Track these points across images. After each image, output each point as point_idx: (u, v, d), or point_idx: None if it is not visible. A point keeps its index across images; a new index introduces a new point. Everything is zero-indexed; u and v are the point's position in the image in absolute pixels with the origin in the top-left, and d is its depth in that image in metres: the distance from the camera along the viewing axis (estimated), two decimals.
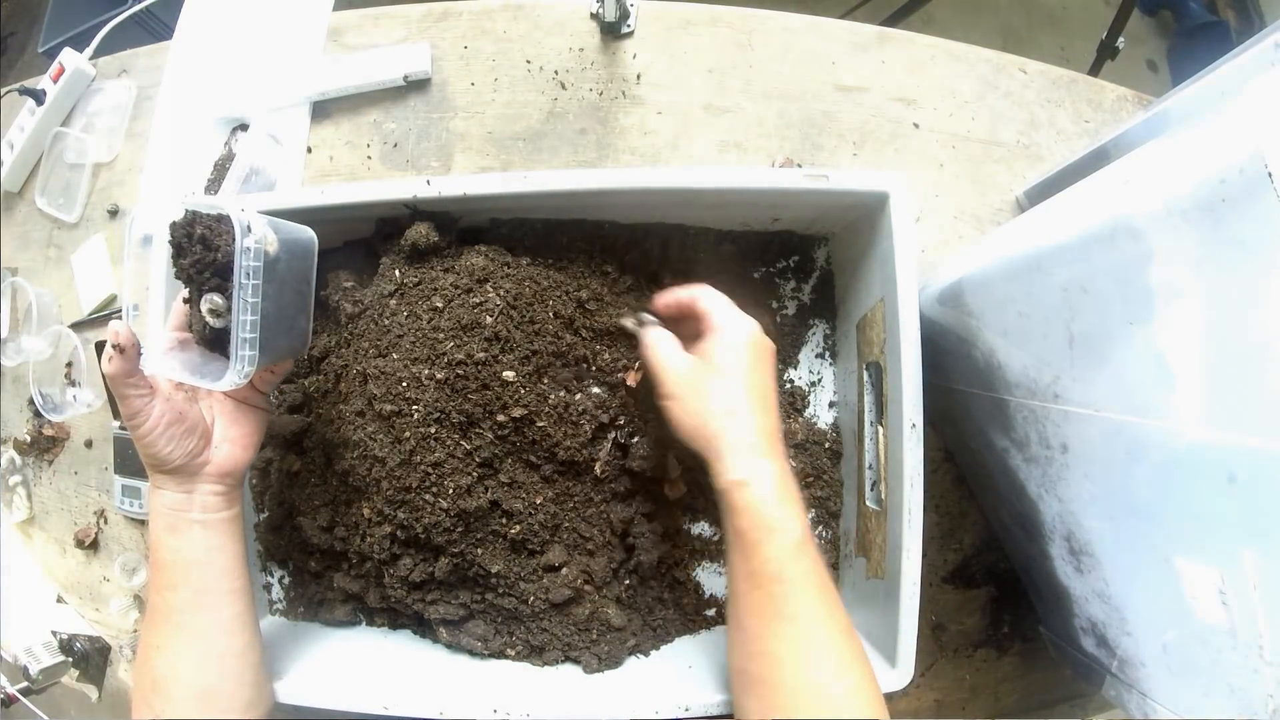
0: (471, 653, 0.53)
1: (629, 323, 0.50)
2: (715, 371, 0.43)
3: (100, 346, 0.68)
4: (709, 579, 0.58)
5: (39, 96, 0.73)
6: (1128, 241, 0.33)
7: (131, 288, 0.50)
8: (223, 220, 0.40)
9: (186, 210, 0.41)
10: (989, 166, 0.65)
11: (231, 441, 0.45)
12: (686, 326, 0.48)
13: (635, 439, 0.52)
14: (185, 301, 0.44)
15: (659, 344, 0.46)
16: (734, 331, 0.44)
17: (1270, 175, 0.25)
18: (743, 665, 0.42)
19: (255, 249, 0.39)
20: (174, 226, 0.41)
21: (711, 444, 0.42)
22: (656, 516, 0.55)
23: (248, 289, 0.39)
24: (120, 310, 0.70)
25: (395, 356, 0.47)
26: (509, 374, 0.47)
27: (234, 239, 0.39)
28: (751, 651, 0.40)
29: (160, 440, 0.41)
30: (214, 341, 0.42)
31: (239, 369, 0.40)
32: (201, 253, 0.40)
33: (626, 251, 0.56)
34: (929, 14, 1.43)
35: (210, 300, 0.41)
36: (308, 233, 0.45)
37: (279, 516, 0.57)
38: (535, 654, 0.53)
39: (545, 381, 0.49)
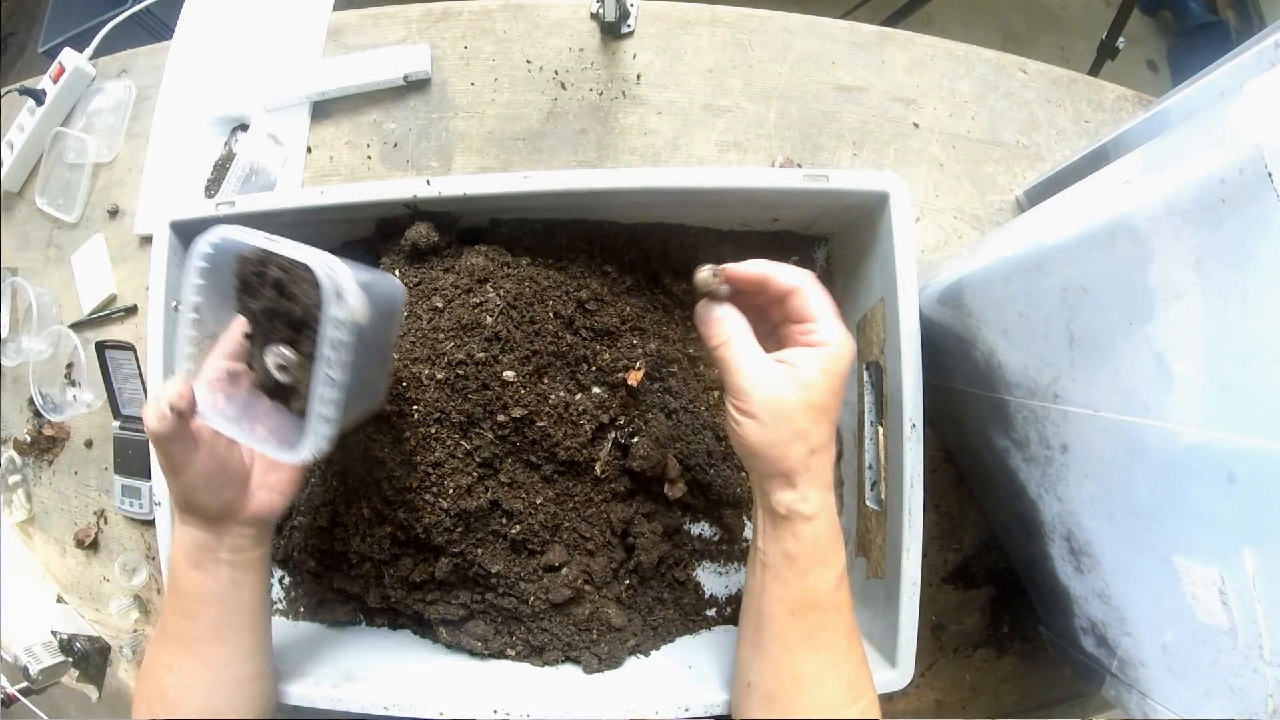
0: (471, 653, 0.53)
1: (707, 277, 0.39)
2: (811, 398, 0.37)
3: (101, 347, 0.68)
4: (709, 579, 0.58)
5: (39, 96, 0.73)
6: (1128, 241, 0.33)
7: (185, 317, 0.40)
8: (298, 266, 0.35)
9: (261, 250, 0.36)
10: (989, 166, 0.65)
11: (269, 487, 0.43)
12: (757, 307, 0.41)
13: (635, 439, 0.52)
14: (247, 337, 0.39)
15: (738, 340, 0.38)
16: (841, 352, 0.38)
17: (1270, 175, 0.25)
18: (760, 681, 0.41)
19: (347, 322, 0.34)
20: (243, 261, 0.37)
21: (785, 472, 0.38)
22: (656, 516, 0.55)
23: (333, 364, 0.34)
24: (118, 313, 0.70)
25: (395, 356, 0.47)
26: (509, 374, 0.47)
27: (317, 296, 0.34)
28: (776, 670, 0.40)
29: (200, 492, 0.39)
30: (276, 390, 0.38)
31: (314, 445, 0.35)
32: (274, 299, 0.36)
33: (626, 251, 0.56)
34: (929, 14, 1.43)
35: (279, 354, 0.37)
36: (396, 286, 0.40)
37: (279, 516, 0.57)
38: (535, 654, 0.53)
39: (545, 381, 0.49)
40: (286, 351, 0.37)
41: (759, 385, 0.37)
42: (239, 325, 0.40)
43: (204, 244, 0.37)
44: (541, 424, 0.48)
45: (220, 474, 0.40)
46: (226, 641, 0.44)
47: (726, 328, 0.39)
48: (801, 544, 0.38)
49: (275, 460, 0.42)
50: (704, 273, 0.39)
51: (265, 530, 0.44)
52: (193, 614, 0.42)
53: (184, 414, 0.36)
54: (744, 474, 0.58)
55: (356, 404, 0.39)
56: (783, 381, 0.37)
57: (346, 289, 0.35)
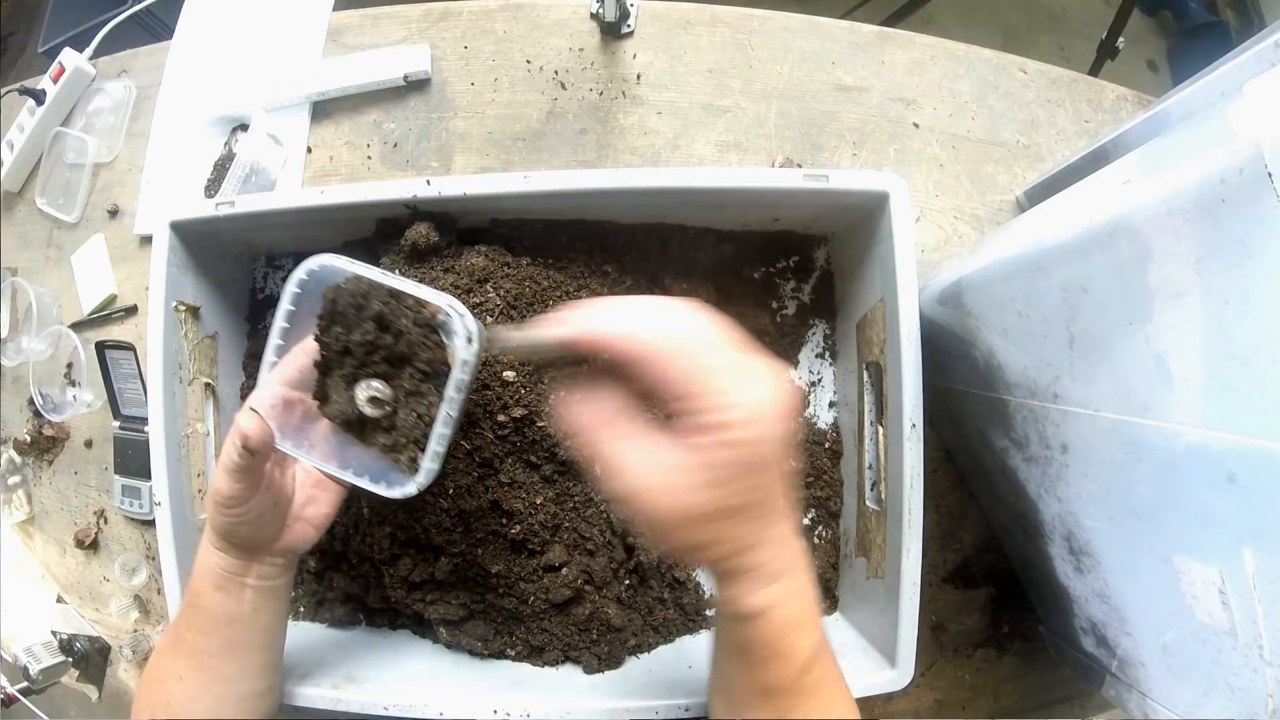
0: (471, 653, 0.53)
1: (509, 347, 0.32)
2: (725, 498, 0.28)
3: (101, 347, 0.68)
4: (709, 579, 0.58)
5: (39, 96, 0.73)
6: (1128, 241, 0.33)
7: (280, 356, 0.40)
8: (399, 296, 0.36)
9: (359, 277, 0.36)
10: (989, 166, 0.65)
11: (306, 520, 0.43)
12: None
13: None
14: (317, 367, 0.39)
15: (626, 459, 0.29)
16: (753, 423, 0.27)
17: (1270, 175, 0.25)
18: None
19: (473, 363, 0.35)
20: (340, 291, 0.36)
21: (720, 571, 0.31)
22: None
23: (456, 403, 0.36)
24: (118, 313, 0.70)
25: None
26: (509, 374, 0.47)
27: (415, 321, 0.35)
28: None
29: (247, 525, 0.39)
30: (351, 424, 0.38)
31: (423, 482, 0.37)
32: (374, 333, 0.36)
33: (626, 251, 0.56)
34: (929, 14, 1.43)
35: (372, 388, 0.37)
36: (482, 330, 0.39)
37: None
38: (535, 654, 0.53)
39: (546, 381, 0.49)
40: (378, 384, 0.37)
41: (652, 492, 0.28)
42: (302, 353, 0.39)
43: (304, 269, 0.38)
44: (541, 424, 0.48)
45: (271, 510, 0.40)
46: (239, 660, 0.43)
47: (587, 415, 0.30)
48: (752, 638, 0.32)
49: (315, 494, 0.43)
50: (500, 341, 0.31)
51: (293, 560, 0.44)
52: (209, 631, 0.42)
53: (259, 451, 0.36)
54: None
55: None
56: (680, 482, 0.28)
57: (474, 332, 0.36)
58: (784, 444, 0.29)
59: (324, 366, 0.38)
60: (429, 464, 0.36)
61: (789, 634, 0.32)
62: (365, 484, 0.38)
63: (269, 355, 0.39)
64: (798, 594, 0.32)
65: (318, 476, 0.44)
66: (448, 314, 0.36)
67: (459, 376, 0.35)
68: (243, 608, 0.42)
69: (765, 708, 0.33)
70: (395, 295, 0.37)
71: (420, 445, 0.37)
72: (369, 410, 0.37)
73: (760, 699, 0.33)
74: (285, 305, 0.39)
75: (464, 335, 0.35)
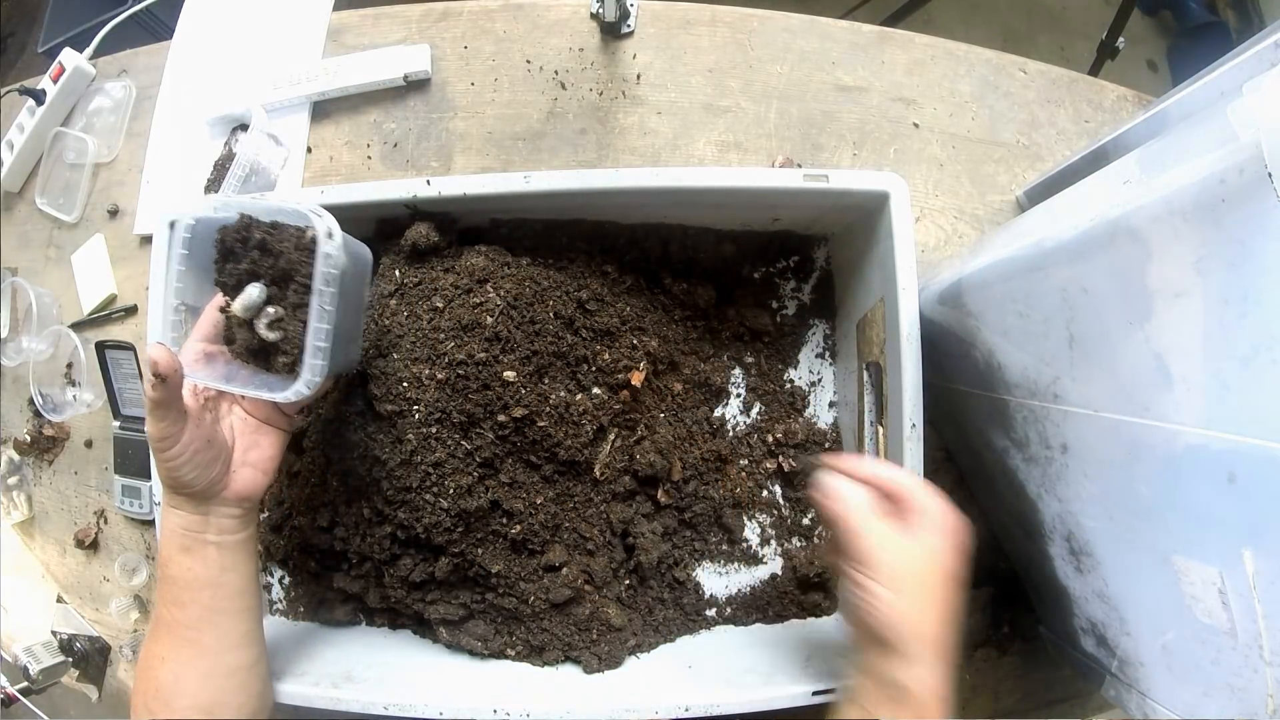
0: (471, 653, 0.53)
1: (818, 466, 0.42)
2: (940, 570, 0.37)
3: (101, 347, 0.68)
4: (709, 579, 0.58)
5: (39, 96, 0.73)
6: (1128, 241, 0.33)
7: (165, 294, 0.44)
8: (281, 227, 0.39)
9: (242, 214, 0.39)
10: (989, 166, 0.65)
11: (252, 465, 0.44)
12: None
13: (641, 442, 0.52)
14: (223, 311, 0.42)
15: (854, 501, 0.39)
16: (955, 527, 0.39)
17: (1270, 175, 0.25)
18: None
19: (335, 256, 0.37)
20: (226, 231, 0.39)
21: (915, 645, 0.36)
22: (656, 516, 0.55)
23: (325, 296, 0.37)
24: (118, 313, 0.70)
25: (395, 356, 0.47)
26: (510, 374, 0.47)
27: (297, 245, 0.37)
28: None
29: (185, 466, 0.40)
30: (259, 353, 0.41)
31: (309, 379, 0.38)
32: (258, 259, 0.39)
33: (626, 251, 0.56)
34: (929, 14, 1.43)
35: (267, 311, 0.39)
36: (366, 249, 0.43)
37: (279, 516, 0.57)
38: (535, 654, 0.53)
39: (546, 382, 0.49)
40: (273, 308, 0.39)
41: (885, 549, 0.38)
42: (213, 308, 0.42)
43: (187, 219, 0.41)
44: (542, 424, 0.48)
45: (206, 449, 0.41)
46: (218, 628, 0.44)
47: (844, 491, 0.40)
48: (907, 711, 0.36)
49: (257, 439, 0.44)
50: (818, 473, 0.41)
51: (250, 512, 0.45)
52: (182, 601, 0.43)
53: (170, 378, 0.37)
54: (743, 475, 0.58)
55: (338, 353, 0.41)
56: (907, 549, 0.38)
57: (335, 229, 0.38)
58: (958, 574, 0.38)
59: (226, 311, 0.41)
60: (310, 360, 0.38)
61: (939, 707, 0.36)
62: (253, 392, 0.39)
63: (167, 311, 0.42)
64: (939, 691, 0.36)
65: (256, 423, 0.45)
66: (306, 218, 0.38)
67: (323, 270, 0.37)
68: (210, 569, 0.43)
69: None
70: (276, 226, 0.39)
71: (320, 351, 0.38)
72: (270, 334, 0.39)
73: None
74: (176, 266, 0.41)
75: (324, 233, 0.37)
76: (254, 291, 0.39)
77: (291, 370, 0.39)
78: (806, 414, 0.60)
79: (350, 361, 0.44)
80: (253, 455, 0.44)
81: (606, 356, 0.51)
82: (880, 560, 0.37)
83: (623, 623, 0.53)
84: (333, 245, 0.37)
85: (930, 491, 0.39)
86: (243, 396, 0.43)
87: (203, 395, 0.42)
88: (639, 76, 0.67)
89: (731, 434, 0.59)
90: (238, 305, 0.39)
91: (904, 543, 0.38)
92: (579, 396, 0.51)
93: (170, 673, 0.43)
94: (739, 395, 0.59)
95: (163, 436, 0.39)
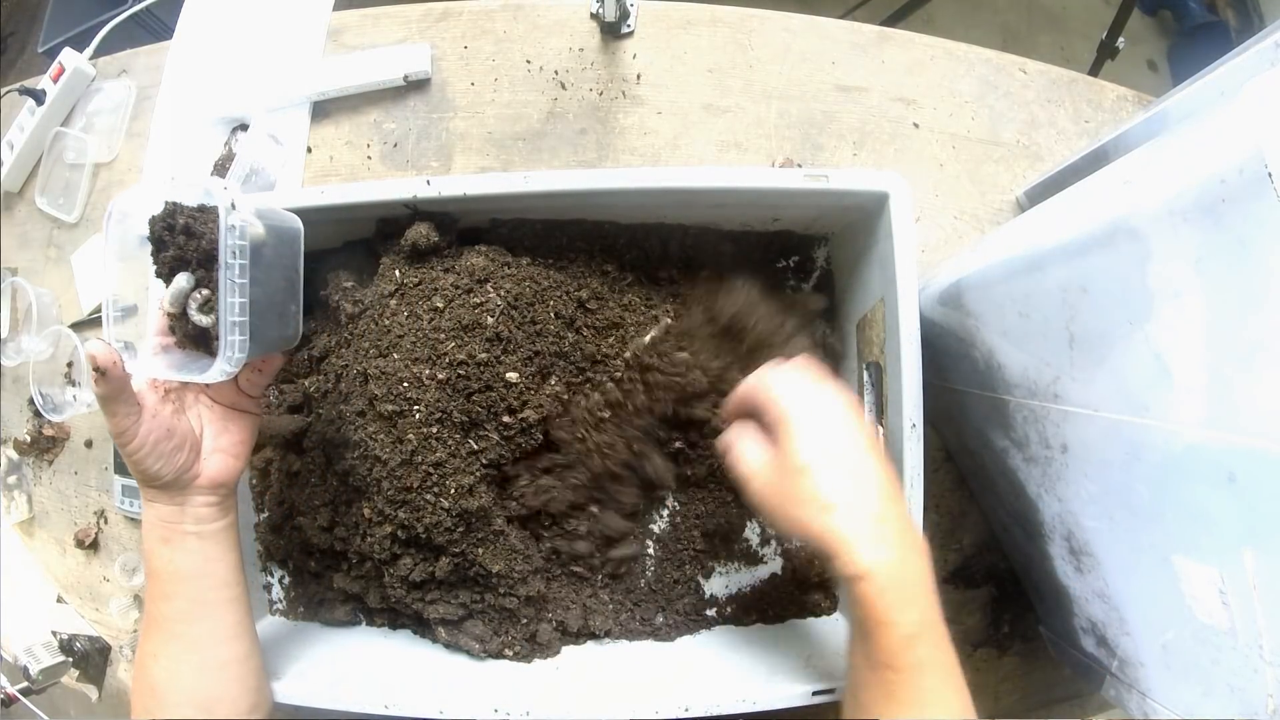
0: (470, 653, 0.53)
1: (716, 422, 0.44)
2: (796, 471, 0.38)
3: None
4: (709, 579, 0.58)
5: (39, 96, 0.73)
6: (1128, 241, 0.33)
7: (113, 291, 0.46)
8: (206, 210, 0.39)
9: (166, 202, 0.39)
10: (989, 166, 0.65)
11: (223, 451, 0.44)
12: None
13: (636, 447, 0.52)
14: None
15: (733, 445, 0.42)
16: (801, 419, 0.39)
17: (1270, 175, 0.25)
18: None
19: (240, 227, 0.37)
20: (153, 221, 0.39)
21: (821, 543, 0.37)
22: (656, 517, 0.55)
23: (234, 269, 0.37)
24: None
25: (396, 356, 0.47)
26: (512, 375, 0.47)
27: (219, 222, 0.37)
28: None
29: (149, 458, 0.40)
30: (199, 339, 0.41)
31: (228, 356, 0.38)
32: (184, 243, 0.39)
33: (627, 251, 0.56)
34: (929, 14, 1.43)
35: (196, 295, 0.39)
36: (294, 219, 0.43)
37: (279, 516, 0.57)
38: (534, 650, 0.53)
39: (548, 383, 0.50)
40: (201, 290, 0.39)
41: (752, 475, 0.40)
42: (162, 299, 0.42)
43: (115, 213, 0.41)
44: (544, 425, 0.49)
45: (167, 439, 0.41)
46: (206, 620, 0.44)
47: (725, 439, 0.44)
48: (860, 607, 0.36)
49: (225, 424, 0.44)
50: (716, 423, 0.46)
51: (227, 499, 0.45)
52: (169, 595, 0.43)
53: (108, 371, 0.37)
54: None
55: (271, 330, 0.41)
56: (767, 464, 0.40)
57: (238, 201, 0.37)
58: (845, 450, 0.38)
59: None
60: (227, 336, 0.37)
61: (890, 599, 0.36)
62: (183, 376, 0.40)
63: (107, 309, 0.43)
64: (895, 565, 0.36)
65: (223, 409, 0.45)
66: (209, 207, 0.38)
67: (229, 243, 0.37)
68: (192, 559, 0.43)
69: (874, 683, 0.37)
70: (202, 209, 0.39)
71: (236, 326, 0.38)
72: (201, 319, 0.39)
73: (870, 673, 0.37)
74: (111, 260, 0.42)
75: (225, 206, 0.37)
76: (180, 281, 0.39)
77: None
78: None
79: (288, 337, 0.44)
80: (223, 441, 0.44)
81: (609, 352, 0.51)
82: (751, 490, 0.40)
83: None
84: (235, 218, 0.37)
85: (781, 390, 0.40)
86: (207, 385, 0.43)
87: (163, 387, 0.42)
88: (639, 76, 0.67)
89: None
90: (165, 300, 0.39)
91: (770, 465, 0.40)
92: (580, 398, 0.51)
93: (164, 670, 0.43)
94: None
95: (120, 431, 0.39)
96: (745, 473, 0.41)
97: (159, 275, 0.41)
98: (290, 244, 0.43)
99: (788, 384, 0.40)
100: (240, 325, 0.38)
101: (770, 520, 0.40)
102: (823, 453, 0.38)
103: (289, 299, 0.43)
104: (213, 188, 0.38)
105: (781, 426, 0.39)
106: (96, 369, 0.37)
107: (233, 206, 0.37)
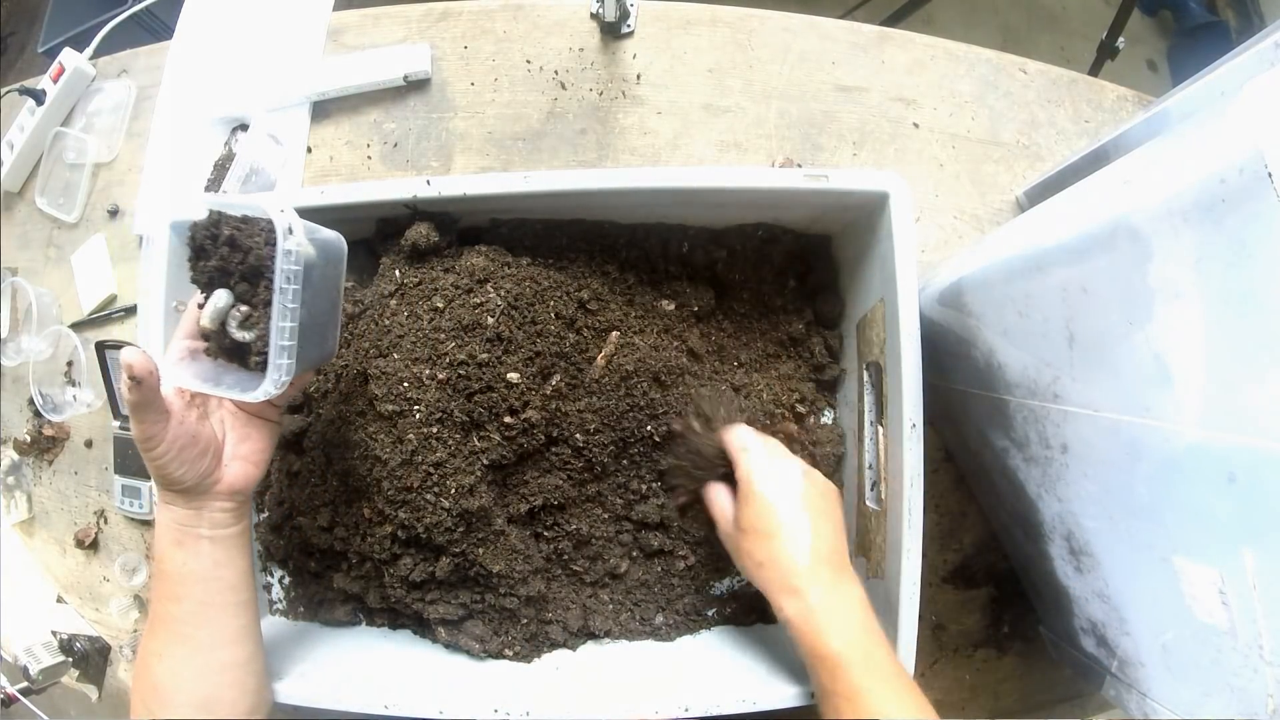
0: (470, 653, 0.53)
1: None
2: (741, 532, 0.46)
3: (101, 347, 0.68)
4: (709, 579, 0.58)
5: (39, 96, 0.73)
6: (1128, 241, 0.33)
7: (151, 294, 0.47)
8: (251, 222, 0.38)
9: (211, 210, 0.39)
10: (989, 166, 0.65)
11: (243, 458, 0.44)
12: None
13: (635, 449, 0.52)
14: (201, 308, 0.41)
15: (709, 492, 0.50)
16: (753, 488, 0.45)
17: (1270, 175, 0.25)
18: None
19: (296, 252, 0.37)
20: (196, 227, 0.39)
21: (759, 588, 0.45)
22: (658, 516, 0.55)
23: (288, 294, 0.37)
24: (118, 313, 0.70)
25: (396, 356, 0.47)
26: (513, 375, 0.47)
27: (267, 241, 0.37)
28: None
29: (173, 463, 0.40)
30: (233, 351, 0.40)
31: (276, 379, 0.37)
32: (227, 256, 0.38)
33: (627, 251, 0.56)
34: (929, 14, 1.43)
35: (235, 313, 0.39)
36: (339, 239, 0.43)
37: (279, 516, 0.57)
38: (534, 650, 0.53)
39: (549, 383, 0.50)
40: (244, 308, 0.39)
41: (720, 526, 0.48)
42: (194, 304, 0.42)
43: (169, 226, 0.41)
44: (544, 425, 0.49)
45: (191, 445, 0.41)
46: (212, 623, 0.44)
47: (708, 494, 0.50)
48: (799, 648, 0.43)
49: (247, 431, 0.44)
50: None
51: (243, 505, 0.45)
52: (177, 596, 0.43)
53: (145, 381, 0.37)
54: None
55: (312, 348, 0.41)
56: (729, 520, 0.47)
57: (295, 224, 0.37)
58: (793, 518, 0.44)
59: (203, 305, 0.40)
60: (276, 360, 0.37)
61: (816, 640, 0.41)
62: (224, 392, 0.39)
63: (158, 315, 0.44)
64: (813, 610, 0.42)
65: (246, 416, 0.45)
66: (267, 211, 0.37)
67: (286, 267, 0.36)
68: (203, 563, 0.43)
69: (828, 709, 0.42)
70: (246, 221, 0.38)
71: (285, 350, 0.38)
72: (241, 334, 0.39)
73: (823, 703, 0.43)
74: (163, 266, 0.42)
75: (283, 230, 0.36)
76: (220, 298, 0.39)
77: (263, 369, 0.39)
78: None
79: (327, 353, 0.44)
80: (244, 449, 0.44)
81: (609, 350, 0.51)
82: (720, 536, 0.49)
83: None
84: (293, 242, 0.37)
85: (743, 456, 0.47)
86: None
87: (188, 392, 0.42)
88: (639, 76, 0.67)
89: None
90: (205, 316, 0.39)
91: (730, 520, 0.47)
92: (580, 399, 0.51)
93: (166, 669, 0.43)
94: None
95: (146, 437, 0.39)
96: (715, 517, 0.49)
97: (195, 282, 0.40)
98: (336, 264, 0.43)
99: (753, 454, 0.47)
100: (288, 349, 0.38)
101: (731, 558, 0.48)
102: (763, 520, 0.45)
103: (330, 320, 0.43)
104: (270, 207, 0.37)
105: (740, 488, 0.46)
106: (133, 378, 0.37)
107: (290, 230, 0.37)
